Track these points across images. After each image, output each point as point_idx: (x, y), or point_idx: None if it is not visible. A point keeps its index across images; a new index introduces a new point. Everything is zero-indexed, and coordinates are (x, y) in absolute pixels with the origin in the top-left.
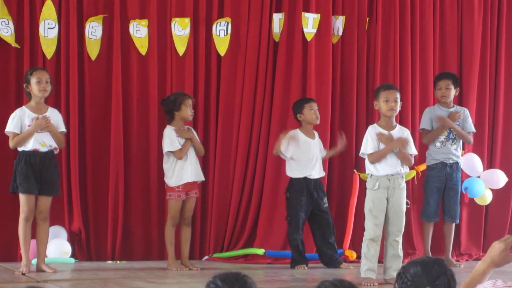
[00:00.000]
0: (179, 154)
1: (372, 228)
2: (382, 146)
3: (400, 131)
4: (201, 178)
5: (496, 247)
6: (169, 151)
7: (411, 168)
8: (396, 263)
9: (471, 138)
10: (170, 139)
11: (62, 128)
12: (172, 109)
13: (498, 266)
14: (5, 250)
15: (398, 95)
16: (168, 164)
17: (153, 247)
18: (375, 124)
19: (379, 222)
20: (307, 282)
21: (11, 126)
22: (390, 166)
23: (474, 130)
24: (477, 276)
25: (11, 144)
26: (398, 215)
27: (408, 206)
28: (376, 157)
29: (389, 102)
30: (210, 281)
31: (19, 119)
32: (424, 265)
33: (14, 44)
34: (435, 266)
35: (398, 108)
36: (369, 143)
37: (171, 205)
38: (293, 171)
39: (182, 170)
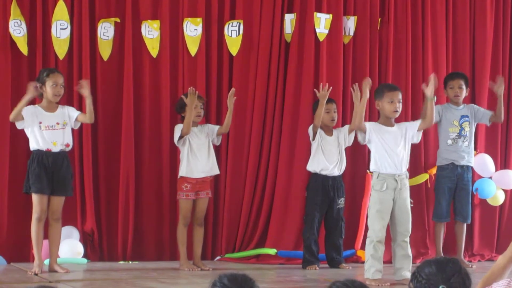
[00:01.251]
0: (184, 130)
1: (380, 229)
2: (373, 137)
3: (399, 127)
4: (216, 171)
5: None
6: (178, 140)
7: (423, 171)
8: (406, 263)
9: (500, 117)
10: (175, 132)
11: (77, 113)
12: (180, 113)
13: None
14: (18, 251)
15: (401, 96)
16: (180, 156)
17: (165, 247)
18: (377, 122)
19: (385, 224)
20: (319, 282)
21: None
22: (395, 166)
23: (491, 112)
24: (496, 270)
25: (10, 116)
26: (405, 215)
27: (412, 205)
28: (357, 120)
29: (394, 103)
30: (216, 280)
31: (33, 113)
32: (439, 264)
33: (23, 50)
34: (449, 265)
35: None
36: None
37: (181, 205)
38: (312, 165)
39: (192, 164)
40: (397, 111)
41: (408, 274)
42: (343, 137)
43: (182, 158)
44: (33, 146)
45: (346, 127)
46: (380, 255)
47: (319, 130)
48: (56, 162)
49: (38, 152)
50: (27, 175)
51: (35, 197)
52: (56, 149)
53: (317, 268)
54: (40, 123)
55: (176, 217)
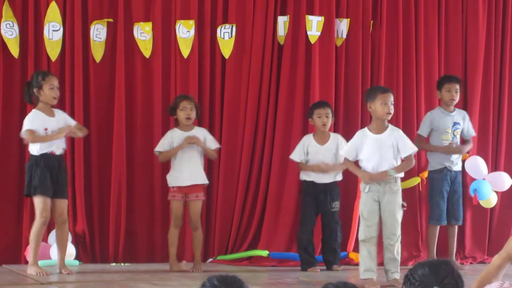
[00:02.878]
0: (163, 156)
1: (363, 229)
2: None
3: (391, 133)
4: (203, 181)
5: None
6: (157, 151)
7: (416, 175)
8: (393, 266)
9: (470, 146)
10: (163, 139)
11: (73, 122)
12: (172, 115)
13: None
14: (9, 253)
15: (392, 98)
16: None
17: (157, 249)
18: (365, 129)
19: (370, 223)
20: (312, 285)
21: (32, 124)
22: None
23: (473, 134)
24: (492, 270)
25: (30, 138)
26: (390, 218)
27: (405, 209)
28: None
29: (387, 105)
30: (206, 281)
31: (39, 120)
32: (432, 265)
33: (14, 53)
34: (442, 267)
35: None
36: (350, 148)
37: (171, 205)
38: (303, 174)
39: (178, 173)
40: (389, 113)
41: (395, 275)
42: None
43: (172, 166)
44: (37, 149)
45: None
46: (365, 254)
47: (307, 144)
48: (59, 165)
49: (43, 155)
50: (29, 177)
51: (41, 200)
52: (58, 152)
53: (318, 270)
54: (46, 129)
55: (168, 218)
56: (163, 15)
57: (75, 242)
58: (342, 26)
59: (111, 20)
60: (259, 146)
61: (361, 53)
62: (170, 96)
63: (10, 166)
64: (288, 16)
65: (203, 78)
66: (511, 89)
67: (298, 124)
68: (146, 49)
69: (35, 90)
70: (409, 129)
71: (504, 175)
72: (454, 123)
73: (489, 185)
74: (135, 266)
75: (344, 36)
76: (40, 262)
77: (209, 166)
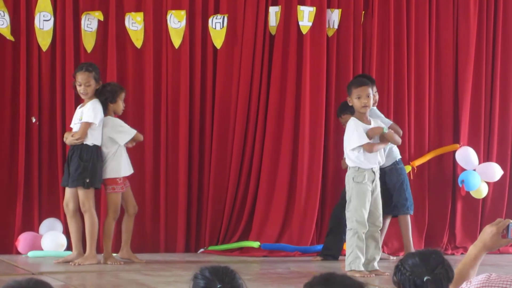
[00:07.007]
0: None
1: (364, 220)
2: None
3: (376, 124)
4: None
5: (488, 231)
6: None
7: (407, 163)
8: (378, 254)
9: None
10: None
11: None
12: (108, 100)
13: (490, 250)
14: (1, 243)
15: (371, 90)
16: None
17: (147, 239)
18: (355, 118)
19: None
20: (303, 275)
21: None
22: (374, 158)
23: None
24: (468, 261)
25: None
26: (379, 206)
27: None
28: (375, 148)
29: (362, 99)
30: (197, 272)
31: None
32: (422, 255)
33: (9, 37)
34: (433, 256)
35: (372, 102)
36: (359, 135)
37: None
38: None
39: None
40: (366, 107)
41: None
42: None
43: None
44: (93, 142)
45: None
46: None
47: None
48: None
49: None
50: (91, 169)
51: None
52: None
53: None
54: None
55: (158, 210)
56: (155, 5)
57: (66, 233)
58: (334, 16)
59: (101, 18)
60: (250, 137)
61: (353, 43)
62: (161, 86)
63: (1, 155)
64: (280, 6)
65: (195, 68)
66: (503, 79)
67: (290, 115)
68: (137, 39)
69: (100, 82)
70: (400, 119)
71: (495, 166)
72: None
73: (478, 175)
74: None
75: (336, 26)
76: (31, 253)
77: (201, 156)
